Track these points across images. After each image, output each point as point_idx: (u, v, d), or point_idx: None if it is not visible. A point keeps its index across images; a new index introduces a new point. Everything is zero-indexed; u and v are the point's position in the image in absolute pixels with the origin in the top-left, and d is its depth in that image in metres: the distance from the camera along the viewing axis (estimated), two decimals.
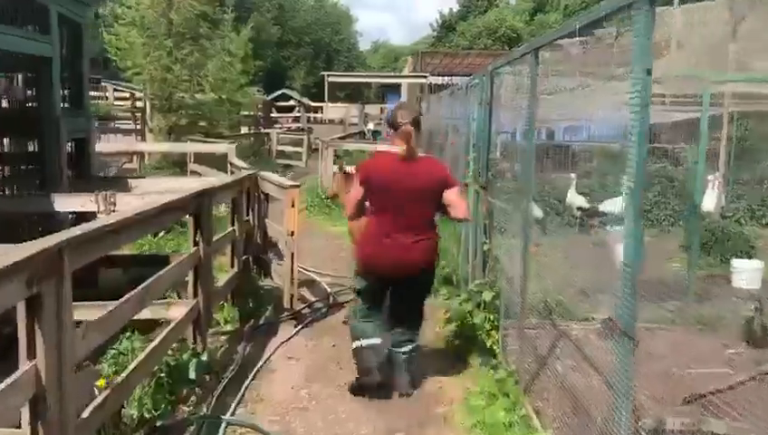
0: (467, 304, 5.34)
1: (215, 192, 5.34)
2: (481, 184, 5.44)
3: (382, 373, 4.51)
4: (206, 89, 13.17)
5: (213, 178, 7.97)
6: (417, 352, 4.73)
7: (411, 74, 20.24)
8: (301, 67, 45.50)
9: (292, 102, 34.49)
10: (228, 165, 9.38)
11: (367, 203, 4.43)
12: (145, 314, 4.30)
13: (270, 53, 48.34)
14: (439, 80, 19.14)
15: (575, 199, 11.24)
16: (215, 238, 5.39)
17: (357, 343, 4.57)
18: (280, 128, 29.81)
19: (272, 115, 31.96)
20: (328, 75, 16.19)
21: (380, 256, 4.32)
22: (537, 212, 9.52)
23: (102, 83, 20.60)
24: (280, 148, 22.51)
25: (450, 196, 4.32)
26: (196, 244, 4.94)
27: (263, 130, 23.56)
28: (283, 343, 5.57)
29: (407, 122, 4.35)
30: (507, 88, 5.40)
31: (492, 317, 5.12)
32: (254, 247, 7.20)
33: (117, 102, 18.98)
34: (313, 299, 7.00)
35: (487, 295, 5.15)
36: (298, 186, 6.21)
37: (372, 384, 4.48)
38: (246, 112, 25.07)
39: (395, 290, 4.52)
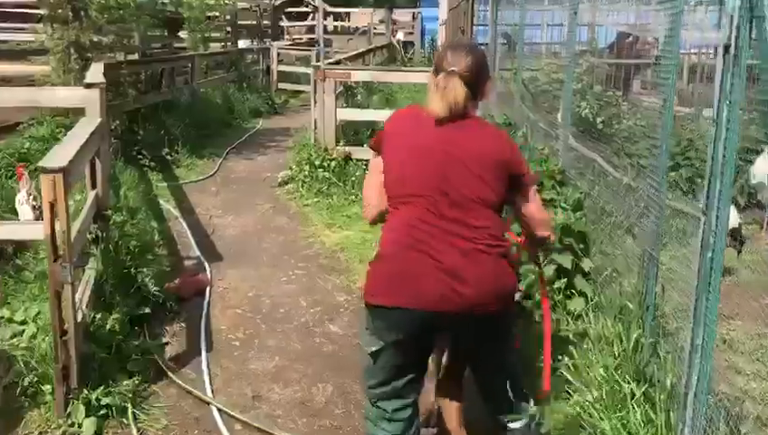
0: None
1: None
2: None
3: None
4: None
5: None
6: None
7: None
8: None
9: (306, 9, 28.53)
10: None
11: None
12: None
13: None
14: None
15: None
16: None
17: None
18: (290, 41, 24.28)
19: (281, 24, 26.24)
20: None
21: (402, 283, 2.33)
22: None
23: None
24: (282, 68, 17.08)
25: (525, 198, 2.50)
26: None
27: (252, 45, 18.00)
28: None
29: (456, 70, 2.39)
30: None
31: None
32: None
33: None
34: None
35: None
36: None
37: None
38: (246, 22, 19.55)
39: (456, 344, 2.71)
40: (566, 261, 3.69)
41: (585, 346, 3.12)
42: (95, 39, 8.26)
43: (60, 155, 3.19)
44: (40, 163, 2.98)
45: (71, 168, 3.10)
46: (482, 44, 14.28)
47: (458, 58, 2.43)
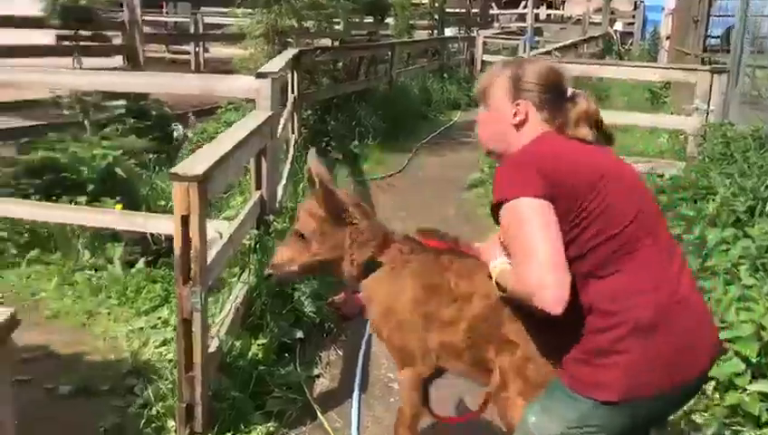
0: None
1: None
2: None
3: None
4: None
5: None
6: None
7: None
8: None
9: None
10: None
11: None
12: None
13: None
14: None
15: None
16: None
17: None
18: (499, 29, 23.41)
19: (491, 12, 25.40)
20: None
21: (686, 353, 1.72)
22: None
23: None
24: (486, 57, 16.28)
25: None
26: None
27: (459, 33, 17.29)
28: None
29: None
30: None
31: None
32: None
33: None
34: None
35: None
36: None
37: None
38: (454, 9, 19.01)
39: None
40: None
41: None
42: (295, 24, 8.06)
43: (202, 158, 2.72)
44: (173, 169, 2.52)
45: (211, 175, 2.62)
46: (715, 38, 12.50)
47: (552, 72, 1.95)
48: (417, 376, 2.24)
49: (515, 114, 1.89)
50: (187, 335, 2.64)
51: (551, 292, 1.62)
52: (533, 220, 1.67)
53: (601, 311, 1.71)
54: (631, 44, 21.94)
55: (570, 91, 1.93)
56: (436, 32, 16.11)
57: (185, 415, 2.70)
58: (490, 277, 1.93)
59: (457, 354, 2.12)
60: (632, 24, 24.10)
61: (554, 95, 1.90)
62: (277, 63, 4.65)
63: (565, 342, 1.78)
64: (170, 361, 3.38)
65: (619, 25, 23.83)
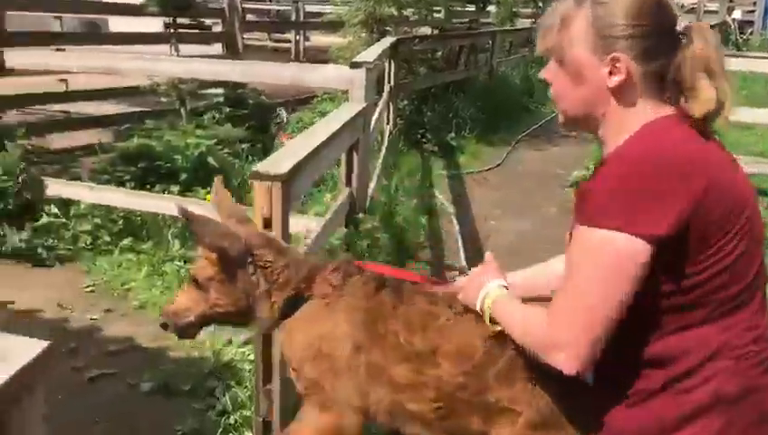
0: None
1: None
2: None
3: None
4: None
5: None
6: None
7: None
8: None
9: None
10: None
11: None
12: None
13: None
14: None
15: None
16: None
17: None
18: None
19: None
20: None
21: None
22: None
23: None
24: None
25: None
26: None
27: None
28: None
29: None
30: None
31: None
32: None
33: None
34: None
35: None
36: None
37: None
38: None
39: None
40: None
41: None
42: (394, 12, 7.85)
43: (288, 155, 2.52)
44: (255, 167, 2.34)
45: (296, 174, 2.42)
46: None
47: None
48: (333, 427, 1.71)
49: (611, 73, 1.30)
50: (266, 345, 2.47)
51: (564, 355, 1.28)
52: (613, 266, 1.23)
53: (679, 372, 1.31)
54: (751, 34, 20.48)
55: (679, 25, 1.30)
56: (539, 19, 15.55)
57: (262, 429, 2.54)
58: (471, 311, 1.56)
59: (424, 423, 1.65)
60: (752, 11, 22.49)
61: (658, 39, 1.29)
62: (373, 53, 4.44)
63: (614, 401, 1.37)
64: (252, 361, 3.25)
65: (737, 13, 22.27)
